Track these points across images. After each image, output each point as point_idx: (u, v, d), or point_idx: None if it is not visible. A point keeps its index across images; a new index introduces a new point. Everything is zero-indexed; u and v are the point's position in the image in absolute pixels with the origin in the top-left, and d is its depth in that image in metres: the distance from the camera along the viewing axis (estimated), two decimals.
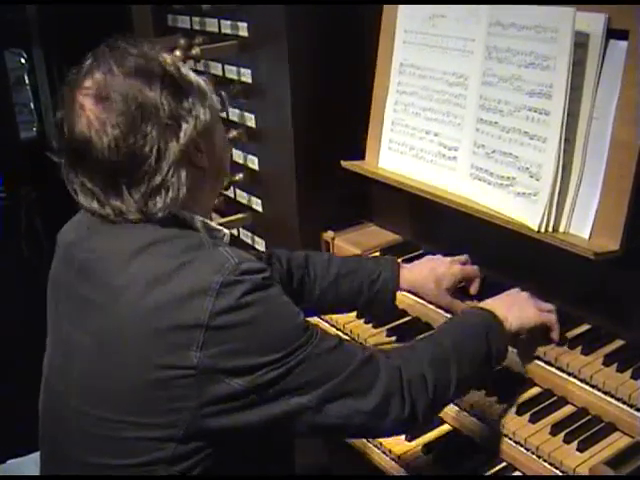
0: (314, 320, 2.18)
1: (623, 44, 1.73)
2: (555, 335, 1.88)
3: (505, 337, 1.78)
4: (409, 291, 2.09)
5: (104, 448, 1.50)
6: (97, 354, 1.50)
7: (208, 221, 1.62)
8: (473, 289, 2.09)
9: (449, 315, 2.11)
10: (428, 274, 2.05)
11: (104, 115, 1.46)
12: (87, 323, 1.53)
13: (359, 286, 2.04)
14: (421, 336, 1.89)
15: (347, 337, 2.25)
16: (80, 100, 1.48)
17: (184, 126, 1.51)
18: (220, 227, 1.66)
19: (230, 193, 2.82)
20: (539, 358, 1.90)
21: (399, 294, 2.09)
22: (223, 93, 1.71)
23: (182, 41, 2.62)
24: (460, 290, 2.10)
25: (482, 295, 2.09)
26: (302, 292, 2.05)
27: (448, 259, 2.10)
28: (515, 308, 1.83)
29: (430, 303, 2.14)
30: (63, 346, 1.61)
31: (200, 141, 1.56)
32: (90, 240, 1.58)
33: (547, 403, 1.84)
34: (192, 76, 1.59)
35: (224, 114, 2.55)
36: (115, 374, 1.47)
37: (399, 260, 2.16)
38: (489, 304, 1.85)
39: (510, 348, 1.83)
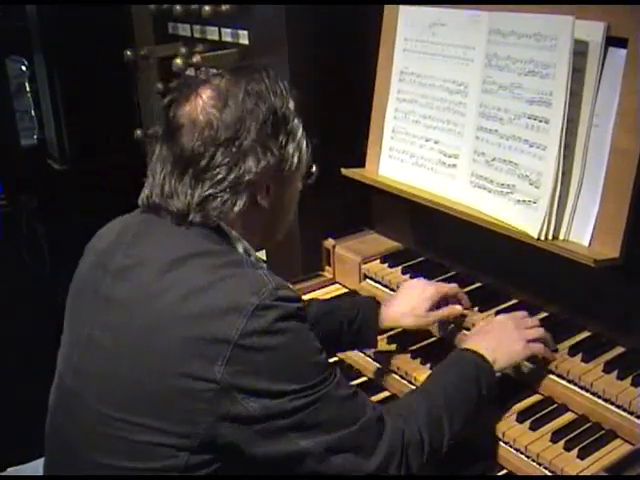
0: None
1: (622, 52, 1.74)
2: (548, 356, 1.87)
3: (494, 378, 1.78)
4: (392, 328, 2.09)
5: (119, 450, 1.51)
6: (120, 355, 1.52)
7: (250, 248, 1.65)
8: (464, 305, 2.08)
9: None
10: (403, 308, 2.04)
11: (210, 111, 1.54)
12: (114, 324, 1.54)
13: (339, 326, 2.04)
14: (416, 390, 1.85)
15: None
16: (200, 90, 1.58)
17: (268, 157, 1.57)
18: (260, 258, 1.69)
19: None
20: (539, 366, 1.90)
21: None
22: (315, 167, 1.76)
23: (183, 49, 2.63)
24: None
25: (482, 305, 2.10)
26: None
27: (422, 284, 2.09)
28: (503, 346, 1.82)
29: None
30: (82, 346, 1.61)
31: (272, 184, 1.61)
32: (133, 246, 1.60)
33: (547, 410, 1.83)
34: (300, 131, 1.66)
35: None
36: (137, 376, 1.49)
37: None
38: (478, 344, 1.83)
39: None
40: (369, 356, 2.19)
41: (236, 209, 1.57)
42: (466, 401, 1.72)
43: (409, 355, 2.11)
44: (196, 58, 2.53)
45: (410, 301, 2.04)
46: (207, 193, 1.54)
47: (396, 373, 2.10)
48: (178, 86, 1.63)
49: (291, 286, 1.55)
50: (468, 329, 2.07)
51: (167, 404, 1.46)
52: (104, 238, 1.71)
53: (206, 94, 1.56)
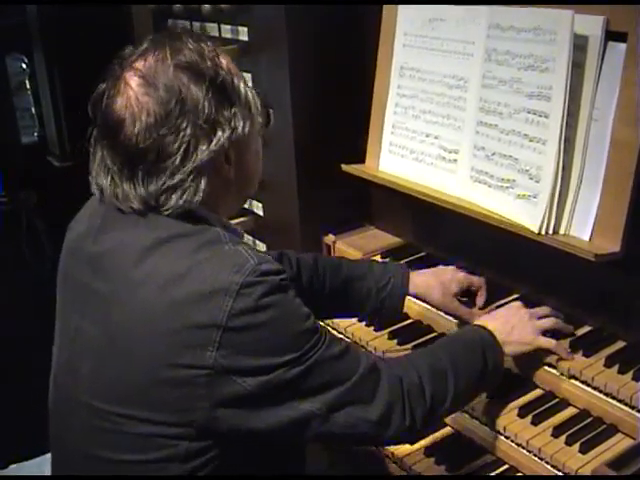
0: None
1: (622, 46, 1.73)
2: (561, 354, 1.86)
3: (501, 359, 1.78)
4: (416, 297, 2.09)
5: (116, 443, 1.50)
6: (108, 348, 1.50)
7: (226, 221, 1.61)
8: (480, 300, 2.08)
9: (450, 318, 2.11)
10: (434, 280, 2.05)
11: (145, 99, 1.46)
12: (98, 317, 1.52)
13: (367, 292, 2.03)
14: (419, 349, 1.90)
15: (348, 340, 2.26)
16: (127, 78, 1.48)
17: (219, 133, 1.50)
18: (237, 227, 1.65)
19: None
20: (540, 360, 1.89)
21: None
22: (271, 110, 1.65)
23: None
24: (466, 300, 2.10)
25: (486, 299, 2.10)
26: (310, 294, 2.02)
27: (452, 267, 2.11)
28: (515, 332, 1.82)
29: (436, 308, 2.13)
30: (71, 340, 1.60)
31: (231, 152, 1.54)
32: (102, 232, 1.56)
33: (549, 405, 1.84)
34: (242, 87, 1.57)
35: None
36: (127, 369, 1.47)
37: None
38: (489, 323, 1.83)
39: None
40: (371, 352, 2.19)
41: (200, 192, 1.50)
42: (471, 367, 1.71)
43: (411, 351, 2.11)
44: None
45: (441, 278, 2.05)
46: (165, 186, 1.47)
47: None
48: (108, 73, 1.53)
49: (270, 257, 1.51)
50: None
51: (160, 395, 1.44)
52: (80, 221, 1.68)
53: (134, 81, 1.47)
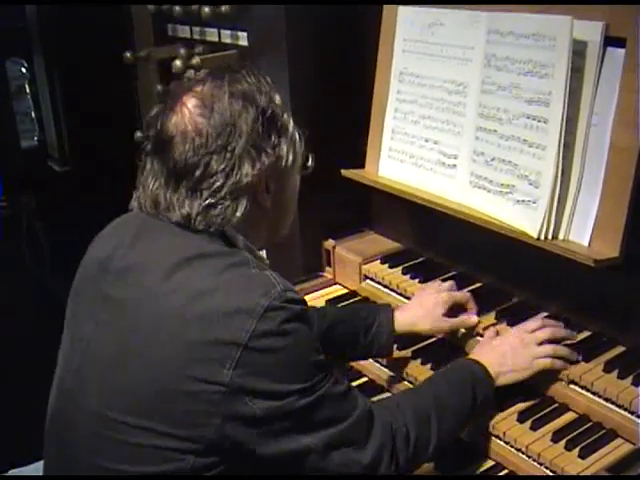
0: None
1: (620, 51, 1.74)
2: (558, 367, 1.85)
3: (491, 390, 1.80)
4: (406, 333, 2.07)
5: (120, 454, 1.50)
6: (124, 357, 1.51)
7: (255, 249, 1.64)
8: (471, 312, 2.07)
9: None
10: (419, 312, 2.05)
11: (199, 120, 1.53)
12: (117, 327, 1.54)
13: (354, 334, 2.03)
14: (406, 390, 1.93)
15: None
16: (184, 99, 1.56)
17: (263, 158, 1.57)
18: (264, 257, 1.69)
19: None
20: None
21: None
22: (312, 155, 1.76)
23: (182, 51, 2.63)
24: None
25: (483, 304, 2.10)
26: None
27: (434, 289, 2.10)
28: (509, 362, 1.83)
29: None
30: (84, 346, 1.60)
31: (272, 182, 1.61)
32: (133, 247, 1.60)
33: (548, 410, 1.84)
34: (291, 124, 1.65)
35: None
36: (141, 379, 1.48)
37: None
38: (483, 356, 1.84)
39: None
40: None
41: (238, 214, 1.56)
42: (458, 405, 1.73)
43: (410, 356, 2.11)
44: (195, 60, 2.53)
45: (425, 305, 2.05)
46: (207, 203, 1.53)
47: (397, 374, 2.10)
48: (165, 97, 1.62)
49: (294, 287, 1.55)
50: (474, 334, 2.07)
51: (173, 408, 1.45)
52: (105, 238, 1.70)
53: (191, 103, 1.55)
